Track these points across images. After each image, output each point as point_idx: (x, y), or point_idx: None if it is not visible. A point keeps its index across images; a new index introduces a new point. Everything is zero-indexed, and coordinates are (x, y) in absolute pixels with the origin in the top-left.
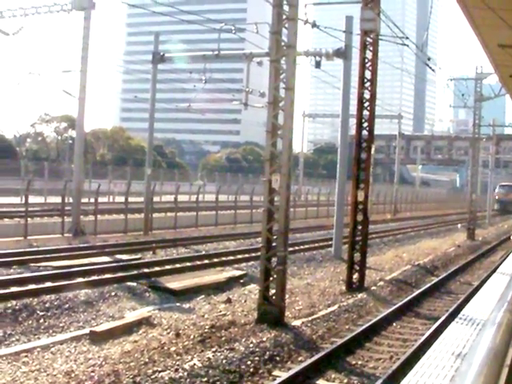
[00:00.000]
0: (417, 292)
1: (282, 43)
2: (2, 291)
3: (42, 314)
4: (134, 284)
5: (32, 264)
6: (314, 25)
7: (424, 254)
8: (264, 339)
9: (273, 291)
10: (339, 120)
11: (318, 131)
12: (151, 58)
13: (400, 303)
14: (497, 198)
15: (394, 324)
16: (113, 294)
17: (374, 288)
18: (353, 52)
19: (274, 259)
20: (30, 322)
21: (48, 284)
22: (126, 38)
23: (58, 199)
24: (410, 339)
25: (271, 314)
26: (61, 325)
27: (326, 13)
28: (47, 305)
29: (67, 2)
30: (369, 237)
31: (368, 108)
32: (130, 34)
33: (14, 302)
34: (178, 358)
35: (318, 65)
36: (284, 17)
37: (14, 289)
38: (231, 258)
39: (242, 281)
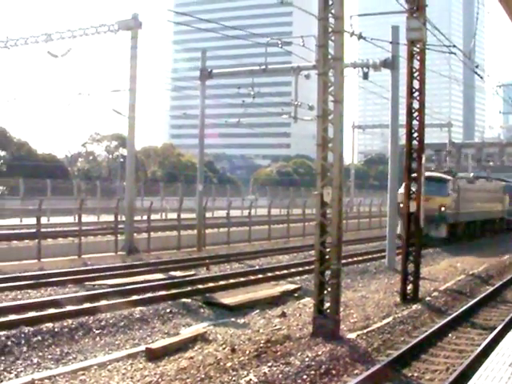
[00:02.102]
0: (472, 302)
1: (329, 56)
2: (58, 310)
3: (97, 332)
4: (189, 300)
5: (87, 282)
6: (360, 36)
7: (478, 263)
8: (319, 353)
9: (327, 304)
10: (389, 130)
11: (368, 142)
12: (199, 74)
13: (455, 313)
14: None
15: (450, 335)
16: (167, 310)
17: (428, 299)
18: (400, 61)
19: (327, 272)
20: (87, 340)
21: (103, 302)
22: (173, 55)
23: (111, 217)
24: (466, 350)
25: (326, 327)
26: (116, 342)
27: (371, 23)
28: (103, 323)
29: (114, 22)
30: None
31: (417, 118)
32: (176, 51)
33: (69, 321)
34: (234, 373)
35: (365, 76)
36: (330, 29)
37: (69, 307)
38: (285, 271)
39: (296, 295)
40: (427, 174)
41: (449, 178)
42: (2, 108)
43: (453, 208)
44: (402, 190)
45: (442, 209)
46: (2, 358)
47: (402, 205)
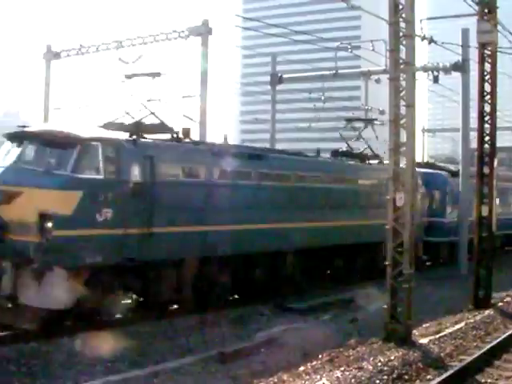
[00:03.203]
0: None
1: (400, 60)
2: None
3: (171, 335)
4: (262, 305)
5: None
6: (431, 40)
7: None
8: (392, 358)
9: (399, 309)
10: (459, 134)
11: (438, 146)
12: (268, 79)
13: None
14: None
15: None
16: (240, 315)
17: (501, 304)
18: (470, 65)
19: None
20: (162, 343)
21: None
22: (242, 60)
23: None
24: None
25: (398, 332)
26: (190, 346)
27: (440, 26)
28: (177, 327)
29: (184, 28)
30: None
31: (489, 121)
32: (245, 56)
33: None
34: (307, 377)
35: (436, 80)
36: (401, 34)
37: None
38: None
39: (367, 299)
40: None
41: None
42: (75, 114)
43: None
44: None
45: None
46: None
47: None
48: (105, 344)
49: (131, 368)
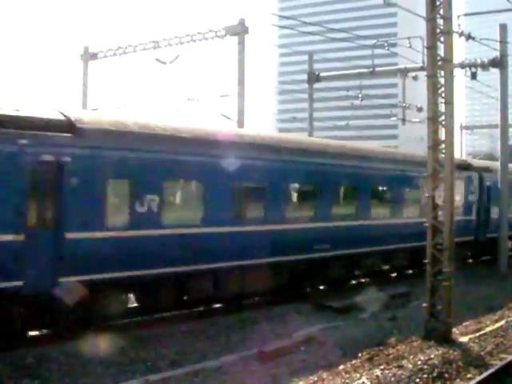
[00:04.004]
0: None
1: (438, 57)
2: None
3: (212, 334)
4: (301, 304)
5: None
6: (469, 37)
7: None
8: (432, 356)
9: (439, 307)
10: (498, 130)
11: (476, 143)
12: (305, 77)
13: None
14: None
15: None
16: (279, 313)
17: None
18: (509, 60)
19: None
20: (202, 341)
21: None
22: (279, 59)
23: None
24: None
25: (438, 330)
26: (230, 345)
27: (476, 21)
28: (217, 327)
29: (221, 28)
30: None
31: None
32: (282, 54)
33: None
34: (347, 376)
35: (473, 76)
36: (438, 30)
37: (185, 311)
38: (394, 274)
39: (406, 297)
40: None
41: None
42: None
43: None
44: None
45: None
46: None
47: None
48: (145, 343)
49: (171, 367)
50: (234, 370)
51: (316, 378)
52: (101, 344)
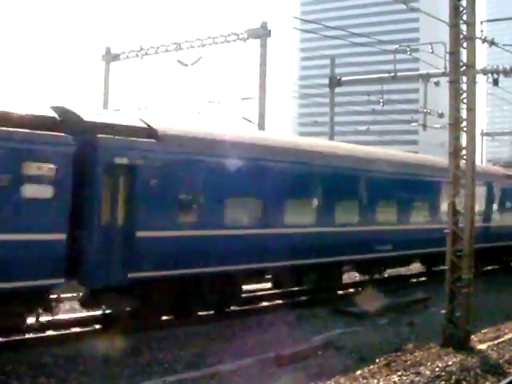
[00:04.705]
0: None
1: (460, 63)
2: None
3: (229, 336)
4: (319, 308)
5: None
6: (492, 43)
7: None
8: (450, 363)
9: (458, 314)
10: None
11: (497, 149)
12: (327, 81)
13: None
14: None
15: None
16: (297, 317)
17: None
18: None
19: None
20: (219, 344)
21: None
22: (300, 62)
23: None
24: None
25: (456, 337)
26: (247, 348)
27: (498, 27)
28: (234, 329)
29: (243, 31)
30: None
31: None
32: (303, 58)
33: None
34: (364, 381)
35: (495, 82)
36: (461, 36)
37: (200, 313)
38: (414, 280)
39: (425, 304)
40: None
41: None
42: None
43: None
44: None
45: None
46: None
47: None
48: (162, 344)
49: (188, 369)
50: (251, 373)
51: (333, 383)
52: (117, 344)
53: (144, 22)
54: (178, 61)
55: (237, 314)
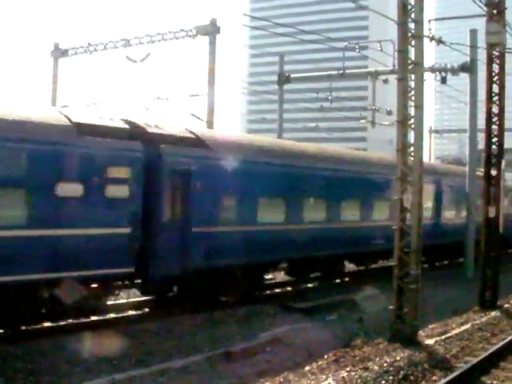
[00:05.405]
0: None
1: (409, 61)
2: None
3: (178, 334)
4: (266, 304)
5: None
6: (439, 41)
7: None
8: (398, 358)
9: (405, 310)
10: (466, 135)
11: (445, 147)
12: (276, 78)
13: None
14: None
15: None
16: (245, 313)
17: (507, 306)
18: (478, 65)
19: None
20: (168, 341)
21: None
22: (249, 59)
23: None
24: None
25: (404, 332)
26: (196, 344)
27: (447, 26)
28: (185, 326)
29: (192, 27)
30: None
31: (497, 122)
32: (252, 55)
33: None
34: (313, 377)
35: (443, 80)
36: (409, 34)
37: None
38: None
39: (372, 300)
40: None
41: None
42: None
43: None
44: None
45: None
46: None
47: None
48: (111, 342)
49: (137, 366)
50: (201, 369)
51: (282, 379)
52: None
53: (93, 18)
54: (127, 57)
55: (186, 311)
